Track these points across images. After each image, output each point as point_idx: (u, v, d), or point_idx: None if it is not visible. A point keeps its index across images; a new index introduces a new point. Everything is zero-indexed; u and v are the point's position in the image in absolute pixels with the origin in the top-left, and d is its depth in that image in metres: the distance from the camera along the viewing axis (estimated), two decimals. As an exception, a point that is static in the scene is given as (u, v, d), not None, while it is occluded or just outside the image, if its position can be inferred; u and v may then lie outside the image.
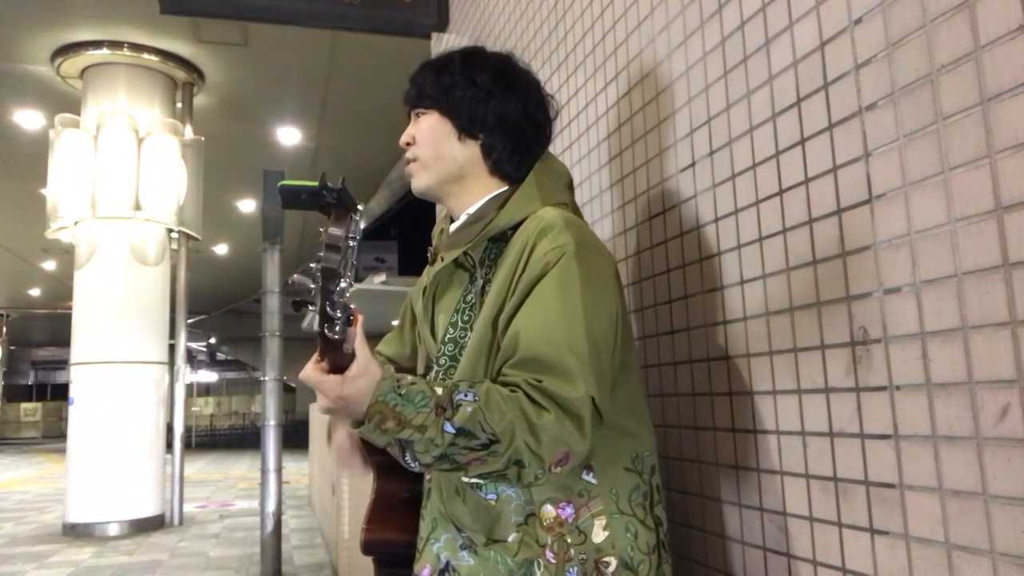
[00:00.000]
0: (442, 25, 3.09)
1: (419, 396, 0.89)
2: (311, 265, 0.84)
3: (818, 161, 0.97)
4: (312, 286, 0.84)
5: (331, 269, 0.81)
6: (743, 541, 1.15)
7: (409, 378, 0.93)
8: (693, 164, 1.26)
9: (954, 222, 0.77)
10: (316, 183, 0.83)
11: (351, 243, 0.83)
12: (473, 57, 1.18)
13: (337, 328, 0.83)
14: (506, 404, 0.91)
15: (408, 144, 1.17)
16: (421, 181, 1.16)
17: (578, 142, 1.75)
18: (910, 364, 0.83)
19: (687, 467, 1.30)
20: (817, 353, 0.97)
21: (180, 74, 7.93)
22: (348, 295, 0.83)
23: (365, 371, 0.89)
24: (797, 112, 1.01)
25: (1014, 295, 0.71)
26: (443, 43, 3.18)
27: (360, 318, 0.90)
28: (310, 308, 0.83)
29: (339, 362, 0.88)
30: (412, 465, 0.93)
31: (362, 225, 0.85)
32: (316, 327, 0.84)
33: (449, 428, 0.88)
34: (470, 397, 0.90)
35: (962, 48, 0.76)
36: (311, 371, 0.90)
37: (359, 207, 0.84)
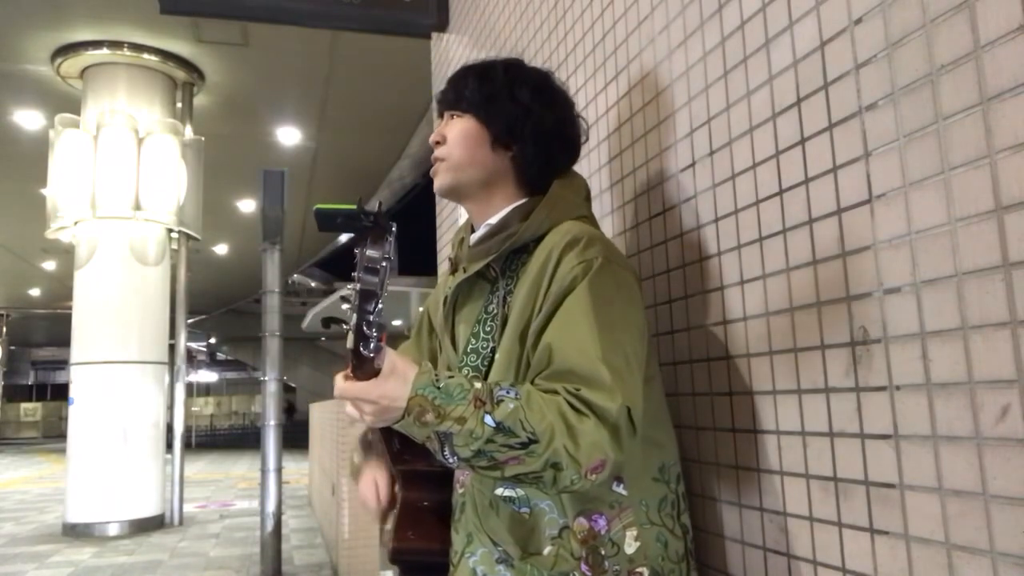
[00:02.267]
0: (442, 25, 3.09)
1: (457, 389, 0.90)
2: (348, 289, 0.86)
3: (818, 161, 0.97)
4: (345, 307, 0.86)
5: (369, 291, 0.83)
6: (743, 541, 1.15)
7: (446, 372, 0.94)
8: (693, 164, 1.26)
9: (954, 222, 0.77)
10: (353, 206, 0.85)
11: (386, 265, 0.84)
12: (515, 70, 1.20)
13: (372, 346, 0.86)
14: (547, 406, 0.91)
15: (438, 143, 1.18)
16: (446, 180, 1.17)
17: (578, 142, 1.75)
18: (910, 364, 0.83)
19: (687, 467, 1.30)
20: (817, 353, 0.97)
21: (180, 74, 7.94)
22: (382, 314, 0.84)
23: (393, 368, 0.90)
24: (797, 112, 1.01)
25: (1014, 295, 0.71)
26: (443, 43, 3.18)
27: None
28: (344, 327, 0.86)
29: (369, 377, 0.91)
30: (450, 460, 0.93)
31: (393, 247, 0.87)
32: (351, 345, 0.86)
33: (490, 421, 0.89)
34: (512, 395, 0.91)
35: (962, 48, 0.76)
36: (346, 384, 0.91)
37: (393, 228, 0.86)
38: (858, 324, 0.90)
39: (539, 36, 2.03)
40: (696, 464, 1.28)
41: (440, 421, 0.89)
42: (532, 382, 0.98)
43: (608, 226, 1.59)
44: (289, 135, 9.75)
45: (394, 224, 0.86)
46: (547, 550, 1.02)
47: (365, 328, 0.84)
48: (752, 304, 1.11)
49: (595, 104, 1.66)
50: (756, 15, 1.09)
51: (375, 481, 1.22)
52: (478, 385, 0.92)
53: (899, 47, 0.84)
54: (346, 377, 0.91)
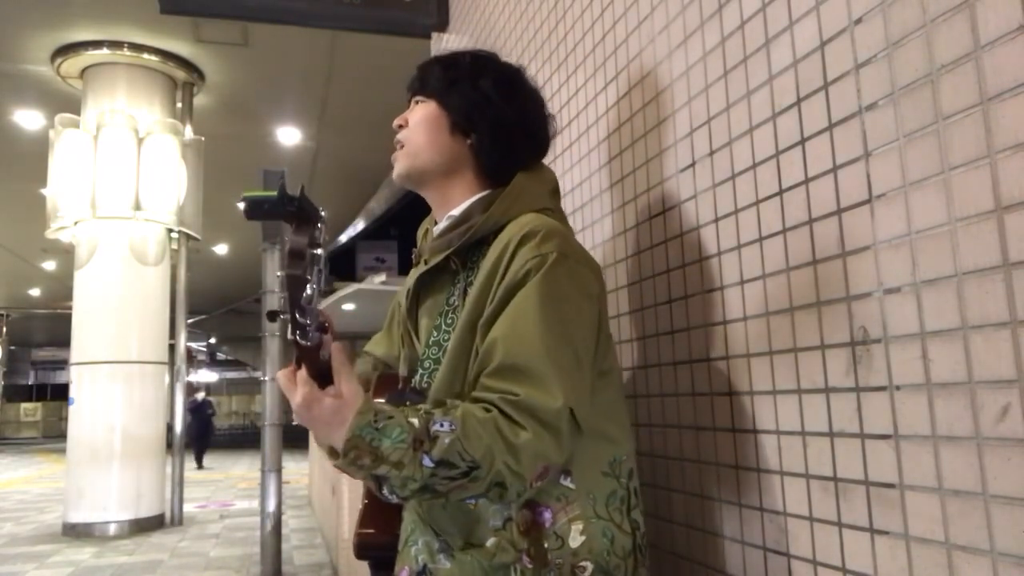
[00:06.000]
0: (442, 25, 3.09)
1: (396, 430, 0.88)
2: (279, 274, 0.84)
3: (818, 161, 0.97)
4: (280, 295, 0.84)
5: (295, 276, 0.81)
6: (743, 541, 1.15)
7: (387, 410, 0.91)
8: (693, 164, 1.26)
9: (954, 222, 0.77)
10: (276, 192, 0.83)
11: (316, 251, 0.82)
12: (483, 61, 1.20)
13: (309, 335, 0.83)
14: (483, 428, 0.90)
15: (400, 126, 1.19)
16: (405, 166, 1.17)
17: (578, 142, 1.75)
18: (910, 364, 0.83)
19: (687, 467, 1.30)
20: (817, 353, 0.97)
21: (180, 74, 7.94)
22: (316, 302, 0.82)
23: (340, 398, 0.89)
24: (797, 112, 1.01)
25: (1014, 295, 0.71)
26: (443, 43, 3.18)
27: (340, 348, 0.90)
28: (281, 316, 0.84)
29: (317, 368, 0.89)
30: (390, 498, 0.92)
31: (324, 232, 0.84)
32: (289, 335, 0.84)
33: (428, 462, 0.88)
34: (447, 427, 0.89)
35: (962, 48, 0.76)
36: (283, 379, 0.92)
37: (322, 214, 0.84)
38: (858, 324, 0.90)
39: (539, 36, 2.03)
40: (696, 464, 1.28)
41: (376, 465, 0.88)
42: (476, 378, 0.98)
43: (608, 226, 1.59)
44: (289, 135, 9.75)
45: (323, 209, 0.84)
46: (489, 541, 1.01)
47: (298, 316, 0.82)
48: (752, 304, 1.11)
49: (595, 104, 1.66)
50: (756, 15, 1.09)
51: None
52: (416, 424, 0.89)
53: (899, 47, 0.84)
54: (293, 370, 0.91)
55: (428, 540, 1.05)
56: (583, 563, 1.00)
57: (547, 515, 1.01)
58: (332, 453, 0.92)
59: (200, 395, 15.58)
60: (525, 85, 1.21)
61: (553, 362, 0.94)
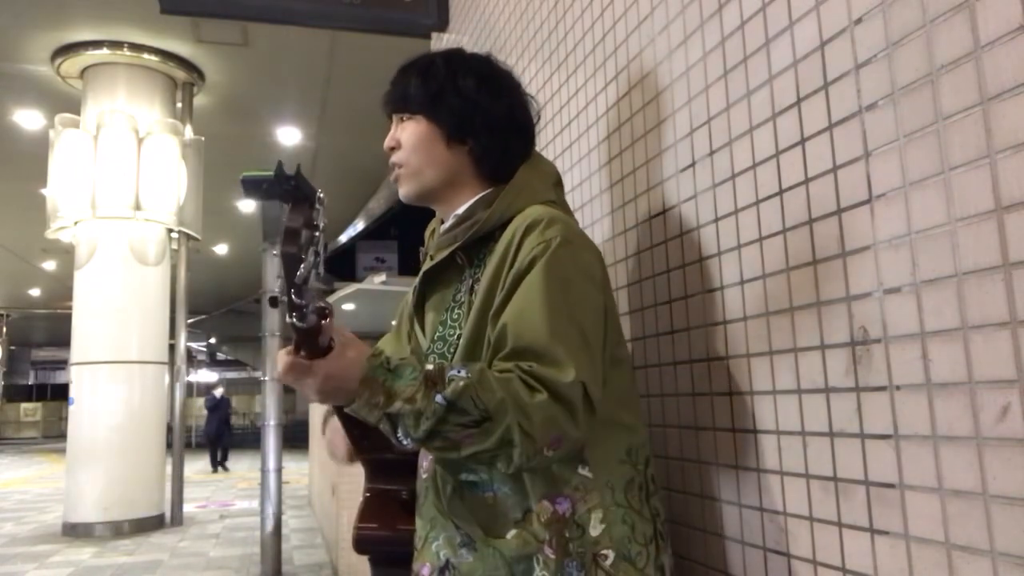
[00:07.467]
0: (442, 25, 3.09)
1: (408, 370, 0.91)
2: (273, 253, 0.83)
3: (818, 161, 0.97)
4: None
5: (290, 255, 0.81)
6: (743, 541, 1.15)
7: (399, 356, 0.94)
8: (693, 164, 1.26)
9: (954, 222, 0.77)
10: (272, 172, 0.82)
11: (315, 232, 0.82)
12: (456, 61, 1.18)
13: (306, 316, 0.82)
14: (499, 383, 0.92)
15: (392, 149, 1.18)
16: (411, 188, 1.18)
17: (578, 142, 1.75)
18: (910, 364, 0.83)
19: (687, 467, 1.30)
20: (817, 353, 0.97)
21: (180, 74, 7.94)
22: (313, 282, 0.82)
23: (343, 350, 0.89)
24: (797, 112, 1.01)
25: (1014, 295, 0.71)
26: (443, 43, 3.18)
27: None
28: (281, 299, 0.84)
29: (316, 355, 0.88)
30: (405, 442, 0.93)
31: (322, 213, 0.84)
32: (288, 319, 0.83)
33: (440, 400, 0.89)
34: (463, 373, 0.91)
35: (962, 48, 0.76)
36: (289, 359, 0.89)
37: (320, 195, 0.84)
38: (858, 324, 0.90)
39: (539, 36, 2.03)
40: (696, 464, 1.28)
41: (390, 402, 0.89)
42: (490, 364, 0.98)
43: (608, 226, 1.59)
44: (289, 135, 9.75)
45: (320, 191, 0.84)
46: (511, 533, 1.01)
47: (294, 297, 0.81)
48: (752, 304, 1.11)
49: (595, 104, 1.66)
50: (756, 15, 1.09)
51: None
52: (430, 367, 0.92)
53: (899, 47, 0.84)
54: (288, 353, 0.89)
55: (449, 535, 1.06)
56: (604, 551, 1.01)
57: (566, 505, 1.02)
58: (348, 400, 0.92)
59: (218, 392, 14.81)
60: (502, 73, 1.20)
61: (560, 341, 0.95)
